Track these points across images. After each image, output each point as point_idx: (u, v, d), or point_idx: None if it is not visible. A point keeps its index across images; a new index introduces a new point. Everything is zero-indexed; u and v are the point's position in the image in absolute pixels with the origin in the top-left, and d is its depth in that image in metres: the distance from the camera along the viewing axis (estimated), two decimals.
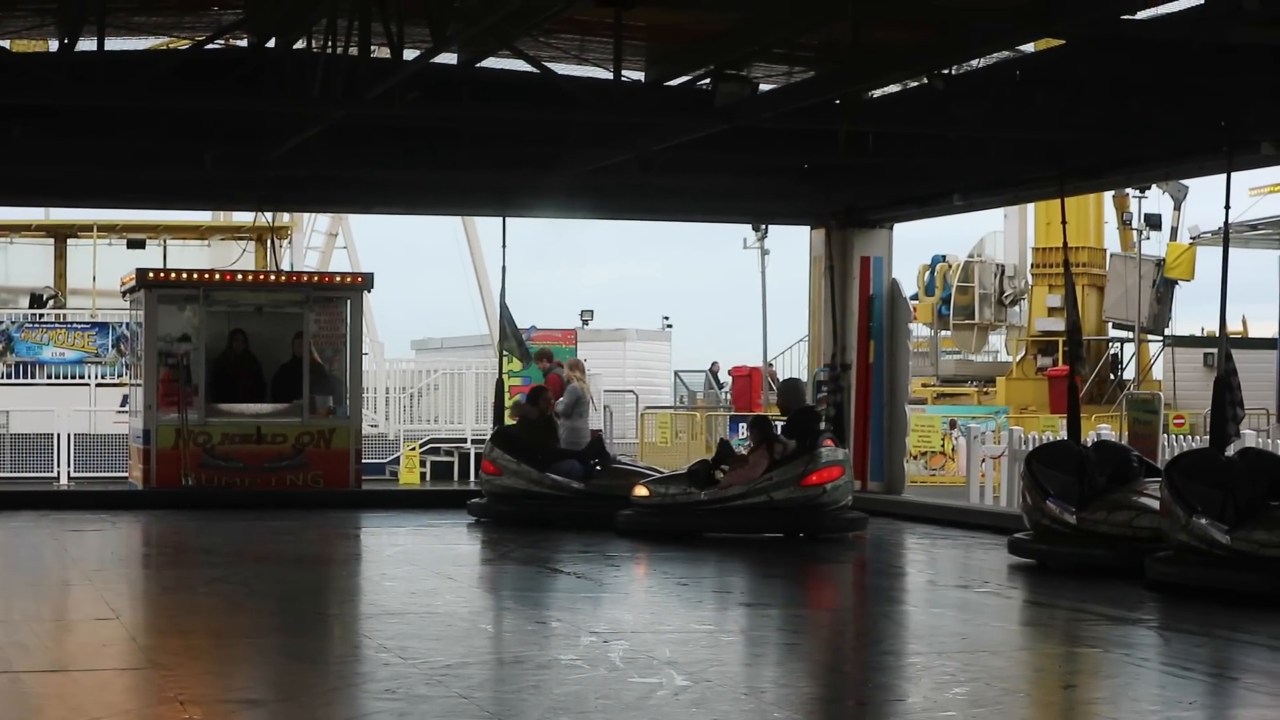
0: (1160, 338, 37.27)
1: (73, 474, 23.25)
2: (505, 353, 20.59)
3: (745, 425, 18.52)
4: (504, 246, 20.08)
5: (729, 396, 36.36)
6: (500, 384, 20.16)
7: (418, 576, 14.54)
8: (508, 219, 20.53)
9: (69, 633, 11.51)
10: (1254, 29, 12.36)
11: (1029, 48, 14.79)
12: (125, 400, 23.32)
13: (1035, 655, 11.11)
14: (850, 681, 9.92)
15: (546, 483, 18.52)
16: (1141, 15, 11.97)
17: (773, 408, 27.70)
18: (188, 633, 11.29)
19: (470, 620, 12.23)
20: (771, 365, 37.17)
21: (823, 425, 17.79)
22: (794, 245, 39.08)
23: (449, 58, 14.29)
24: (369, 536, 18.34)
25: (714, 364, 41.00)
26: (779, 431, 17.82)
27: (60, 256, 34.38)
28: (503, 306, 20.13)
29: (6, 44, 15.25)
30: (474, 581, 14.93)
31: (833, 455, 17.23)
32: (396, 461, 24.39)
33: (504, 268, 20.10)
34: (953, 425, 26.34)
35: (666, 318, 47.28)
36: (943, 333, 38.52)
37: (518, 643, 11.06)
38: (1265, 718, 8.89)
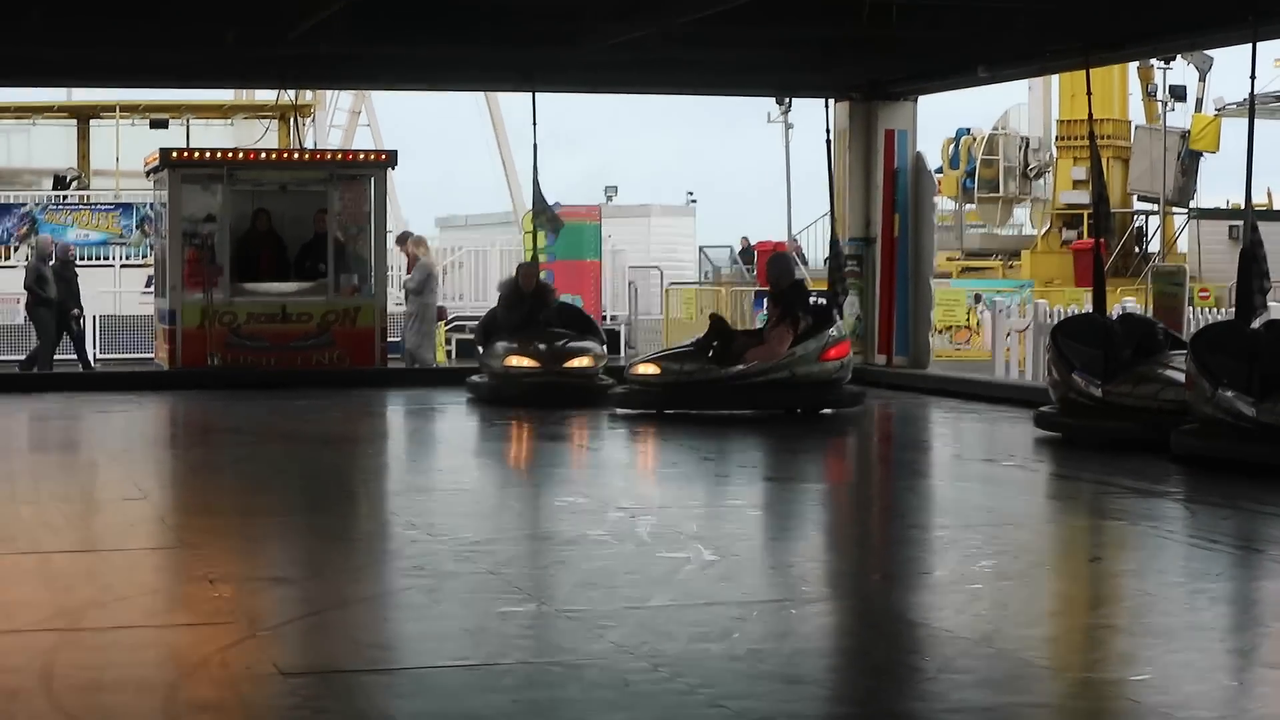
0: (1185, 210, 37.03)
1: (98, 355, 23.29)
2: (537, 227, 20.47)
3: (767, 300, 18.23)
4: (534, 124, 20.09)
5: (754, 272, 36.24)
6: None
7: (444, 454, 14.58)
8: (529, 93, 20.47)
9: (97, 513, 11.55)
10: None
11: None
12: (150, 281, 23.31)
13: (1061, 528, 11.10)
14: (876, 555, 9.92)
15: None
16: None
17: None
18: (215, 512, 11.30)
19: (497, 496, 12.26)
20: (796, 240, 37.04)
21: (813, 300, 17.50)
22: (817, 119, 38.81)
23: None
24: (394, 415, 18.36)
25: (744, 239, 40.82)
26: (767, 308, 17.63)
27: (83, 137, 34.38)
28: (535, 181, 20.09)
29: None
30: (500, 458, 14.93)
31: (840, 331, 17.17)
32: None
33: (535, 144, 20.07)
34: (977, 299, 26.26)
35: (690, 193, 47.13)
36: (967, 206, 38.36)
37: (545, 519, 11.07)
38: None
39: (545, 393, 17.45)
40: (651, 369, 17.06)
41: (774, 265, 18.15)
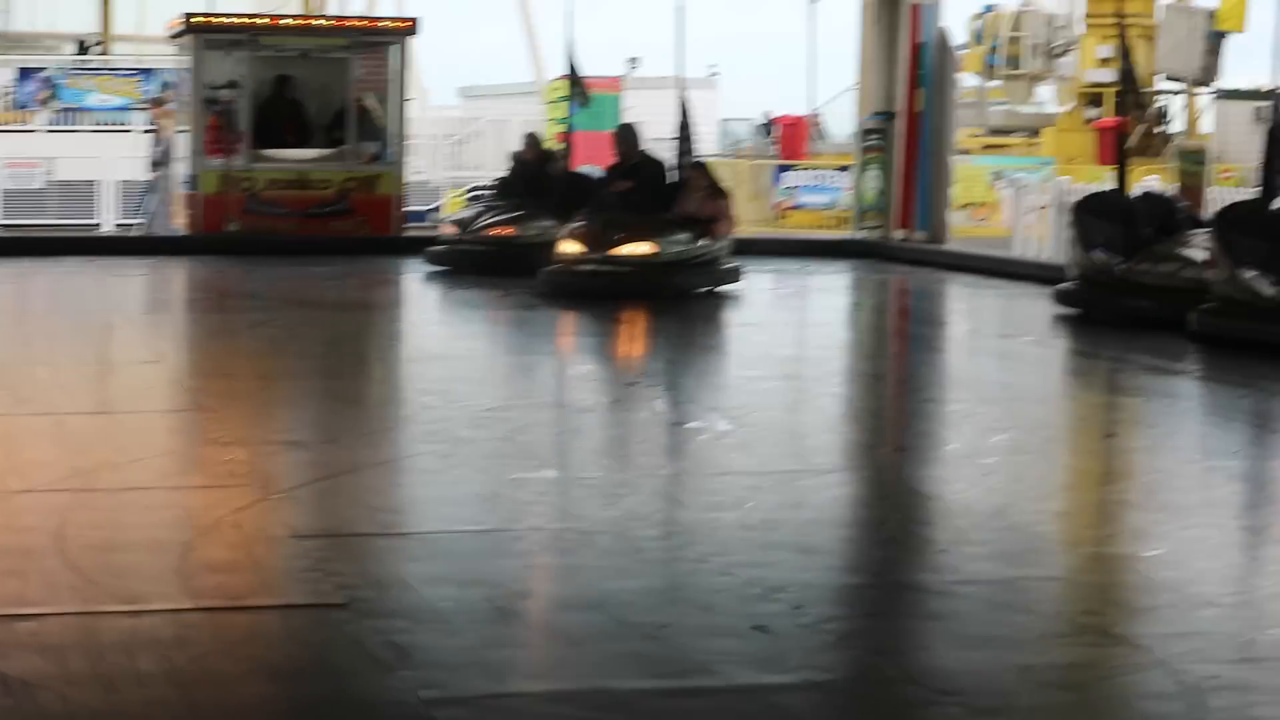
0: (1210, 90, 36.72)
1: (117, 220, 23.24)
2: (569, 97, 20.24)
3: (611, 171, 16.72)
4: None
5: (776, 145, 36.04)
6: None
7: (460, 321, 14.57)
8: None
9: (113, 376, 11.58)
10: None
11: None
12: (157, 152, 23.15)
13: (1077, 404, 11.09)
14: (891, 427, 9.92)
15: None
16: None
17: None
18: (231, 376, 11.32)
19: (512, 364, 12.25)
20: (817, 114, 36.77)
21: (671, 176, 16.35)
22: None
23: None
24: (410, 282, 18.31)
25: (766, 113, 40.47)
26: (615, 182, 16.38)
27: (105, 2, 34.17)
28: (570, 53, 19.83)
29: None
30: (517, 326, 14.86)
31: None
32: (438, 209, 24.30)
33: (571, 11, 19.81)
34: (998, 176, 26.09)
35: (713, 66, 46.74)
36: (991, 83, 38.03)
37: (560, 387, 11.07)
38: None
39: (487, 262, 17.27)
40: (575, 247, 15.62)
41: (622, 138, 16.82)
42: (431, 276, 17.62)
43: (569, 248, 15.28)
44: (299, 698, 4.82)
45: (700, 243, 15.47)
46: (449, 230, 18.01)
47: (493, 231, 17.69)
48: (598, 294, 14.78)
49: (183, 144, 21.19)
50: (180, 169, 21.43)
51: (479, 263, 17.37)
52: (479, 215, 18.18)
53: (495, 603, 5.63)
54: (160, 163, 21.89)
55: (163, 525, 6.80)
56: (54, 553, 6.19)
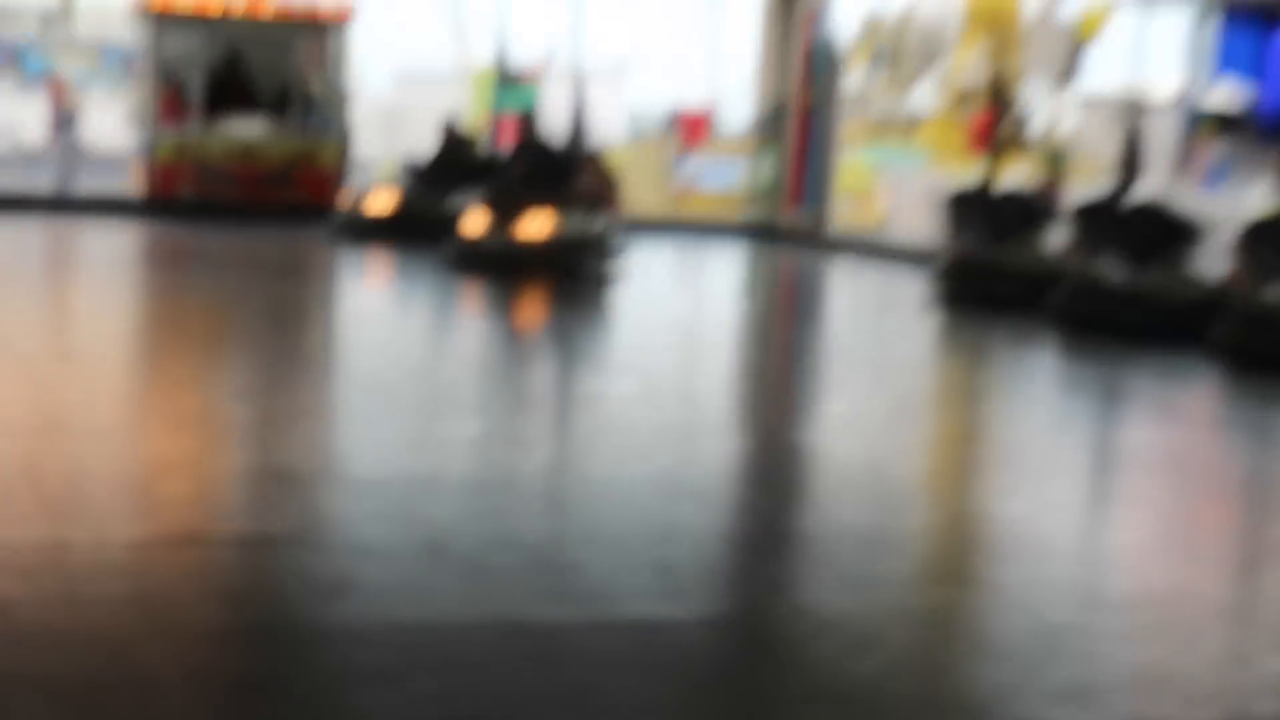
0: (1070, 91, 36.96)
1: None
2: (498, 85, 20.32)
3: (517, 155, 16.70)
4: None
5: (679, 136, 36.01)
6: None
7: (391, 284, 14.49)
8: None
9: (75, 327, 11.45)
10: None
11: None
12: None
13: (945, 373, 11.21)
14: (777, 391, 9.98)
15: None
16: None
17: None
18: (184, 329, 11.24)
19: (441, 326, 12.22)
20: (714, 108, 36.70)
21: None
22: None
23: None
24: (347, 252, 18.21)
25: (673, 109, 40.45)
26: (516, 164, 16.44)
27: None
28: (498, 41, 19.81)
29: None
30: (440, 291, 14.77)
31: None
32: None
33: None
34: (879, 168, 26.16)
35: (623, 57, 46.51)
36: (875, 81, 38.15)
37: (476, 348, 11.07)
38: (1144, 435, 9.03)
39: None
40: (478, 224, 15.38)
41: (523, 125, 17.04)
42: (358, 244, 17.50)
43: (473, 224, 15.27)
44: (248, 622, 4.85)
45: (592, 222, 15.49)
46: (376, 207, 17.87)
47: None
48: (497, 267, 14.78)
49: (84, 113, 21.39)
50: (80, 134, 21.46)
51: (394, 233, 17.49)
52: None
53: (424, 540, 5.67)
54: (60, 129, 21.90)
55: (125, 461, 6.80)
56: (25, 485, 6.17)
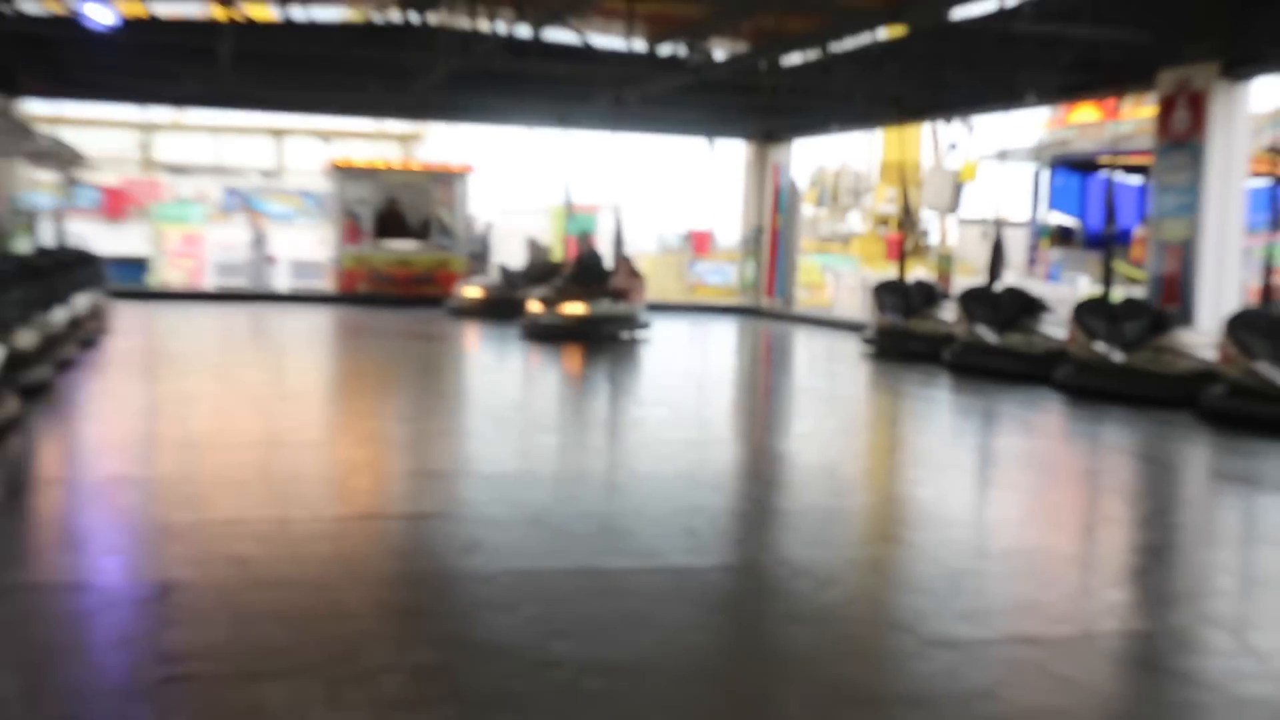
0: (955, 217, 36.87)
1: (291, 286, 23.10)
2: (566, 214, 20.47)
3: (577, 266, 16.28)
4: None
5: (690, 246, 36.00)
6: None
7: (502, 348, 14.53)
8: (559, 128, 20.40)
9: (286, 373, 11.47)
10: (1026, 22, 12.12)
11: (883, 34, 14.44)
12: (255, 239, 22.81)
13: (874, 404, 11.12)
14: (760, 415, 9.90)
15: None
16: (957, 13, 11.71)
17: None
18: (364, 376, 11.27)
19: (524, 374, 12.19)
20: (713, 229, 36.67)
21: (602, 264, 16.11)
22: (731, 156, 38.31)
23: (524, 29, 13.90)
24: (473, 325, 18.24)
25: (686, 229, 40.27)
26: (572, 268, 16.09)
27: (279, 147, 33.84)
28: (567, 193, 19.95)
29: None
30: (517, 352, 14.66)
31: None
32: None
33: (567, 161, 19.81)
34: (826, 268, 26.14)
35: (649, 191, 46.36)
36: (821, 210, 38.14)
37: (553, 389, 11.02)
38: (1017, 441, 8.94)
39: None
40: (537, 306, 15.16)
41: (580, 241, 16.95)
42: (465, 321, 17.53)
43: (534, 306, 15.33)
44: (412, 570, 4.84)
45: (620, 305, 15.45)
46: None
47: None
48: (551, 337, 14.81)
49: (269, 235, 21.77)
50: (266, 249, 21.73)
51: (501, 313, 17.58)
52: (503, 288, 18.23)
53: (527, 515, 5.65)
54: (256, 244, 22.13)
55: (327, 465, 6.80)
56: (260, 483, 6.19)
